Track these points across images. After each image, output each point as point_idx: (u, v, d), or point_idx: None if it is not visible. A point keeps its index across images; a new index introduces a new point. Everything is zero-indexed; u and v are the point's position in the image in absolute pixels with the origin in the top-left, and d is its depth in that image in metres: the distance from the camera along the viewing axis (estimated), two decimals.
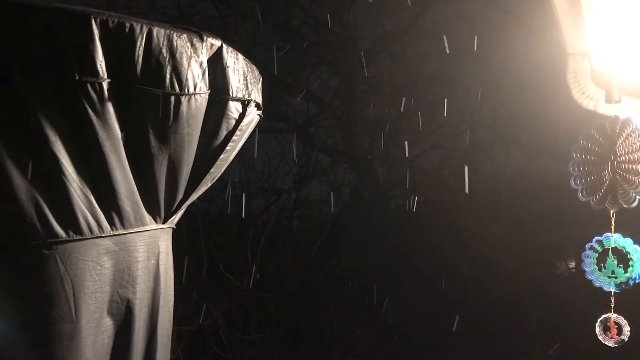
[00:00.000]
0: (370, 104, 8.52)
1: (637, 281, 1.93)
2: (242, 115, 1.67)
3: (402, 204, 8.69)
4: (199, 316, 5.15)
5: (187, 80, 1.48)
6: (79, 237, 1.46)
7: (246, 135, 1.78)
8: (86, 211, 1.46)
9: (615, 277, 1.95)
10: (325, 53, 8.57)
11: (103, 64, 1.37)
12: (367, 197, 8.53)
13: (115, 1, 7.29)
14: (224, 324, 5.45)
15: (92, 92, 1.37)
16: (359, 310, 6.47)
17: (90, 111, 1.39)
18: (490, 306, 6.70)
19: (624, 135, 1.96)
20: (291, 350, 5.94)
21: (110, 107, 1.41)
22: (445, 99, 6.73)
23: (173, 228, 1.78)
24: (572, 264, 7.80)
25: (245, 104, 1.66)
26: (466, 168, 5.99)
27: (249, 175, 7.13)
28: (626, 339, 1.93)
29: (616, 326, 1.95)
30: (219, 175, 1.80)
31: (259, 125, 1.90)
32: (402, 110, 7.11)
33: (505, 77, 7.19)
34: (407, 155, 7.71)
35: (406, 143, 7.35)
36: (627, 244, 1.95)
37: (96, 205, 1.48)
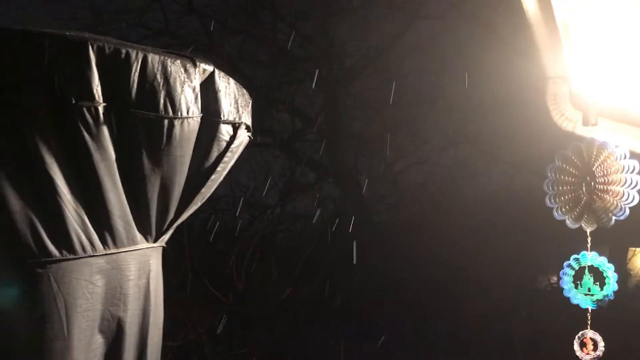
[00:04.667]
0: (354, 119, 8.61)
1: (611, 298, 1.99)
2: (232, 138, 1.72)
3: (385, 219, 8.77)
4: (183, 331, 5.14)
5: (180, 104, 1.53)
6: (72, 256, 1.49)
7: (236, 157, 1.82)
8: (80, 231, 1.49)
9: (592, 295, 2.02)
10: (310, 69, 8.66)
11: (99, 88, 1.41)
12: (351, 212, 8.58)
13: (101, 16, 7.32)
14: (208, 340, 5.43)
15: (88, 116, 1.41)
16: (342, 324, 6.49)
17: (85, 134, 1.43)
18: (473, 320, 6.76)
19: (602, 158, 2.03)
20: None
21: (105, 130, 1.45)
22: (429, 116, 6.83)
23: (163, 246, 1.81)
24: (554, 279, 7.90)
25: (236, 126, 1.71)
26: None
27: (234, 190, 7.17)
28: (601, 355, 1.99)
29: (592, 342, 2.01)
30: (209, 195, 1.84)
31: None
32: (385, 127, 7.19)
33: (488, 94, 7.31)
34: (391, 170, 7.80)
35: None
36: (602, 263, 2.02)
37: (89, 225, 1.51)
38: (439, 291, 6.80)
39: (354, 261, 6.51)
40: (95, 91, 1.41)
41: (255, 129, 1.90)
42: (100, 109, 1.42)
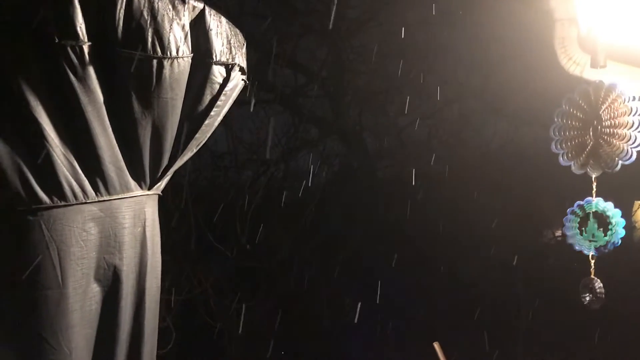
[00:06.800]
0: (358, 74, 8.46)
1: (617, 244, 1.95)
2: (226, 80, 1.65)
3: (391, 174, 8.73)
4: (189, 285, 5.19)
5: (169, 43, 1.46)
6: (63, 203, 1.45)
7: (231, 101, 1.77)
8: (70, 177, 1.45)
9: (596, 241, 1.98)
10: (312, 22, 8.46)
11: (83, 26, 1.35)
12: (356, 168, 8.53)
13: None
14: (214, 293, 5.48)
15: (72, 56, 1.36)
16: (348, 279, 6.53)
17: (71, 75, 1.37)
18: (478, 274, 6.79)
19: (609, 101, 1.97)
20: (281, 319, 6.00)
21: (91, 71, 1.39)
22: (435, 69, 6.70)
23: (159, 194, 1.78)
24: (559, 232, 7.89)
25: (229, 68, 1.65)
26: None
27: (237, 147, 7.10)
28: (603, 301, 1.97)
29: (595, 289, 1.99)
30: (204, 141, 1.79)
31: (245, 95, 1.89)
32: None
33: (493, 46, 7.16)
34: (396, 125, 7.70)
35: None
36: (608, 207, 1.97)
37: (80, 171, 1.47)
38: (445, 244, 6.81)
39: (359, 217, 6.51)
40: (79, 29, 1.34)
41: (256, 84, 1.84)
42: (85, 49, 1.36)
